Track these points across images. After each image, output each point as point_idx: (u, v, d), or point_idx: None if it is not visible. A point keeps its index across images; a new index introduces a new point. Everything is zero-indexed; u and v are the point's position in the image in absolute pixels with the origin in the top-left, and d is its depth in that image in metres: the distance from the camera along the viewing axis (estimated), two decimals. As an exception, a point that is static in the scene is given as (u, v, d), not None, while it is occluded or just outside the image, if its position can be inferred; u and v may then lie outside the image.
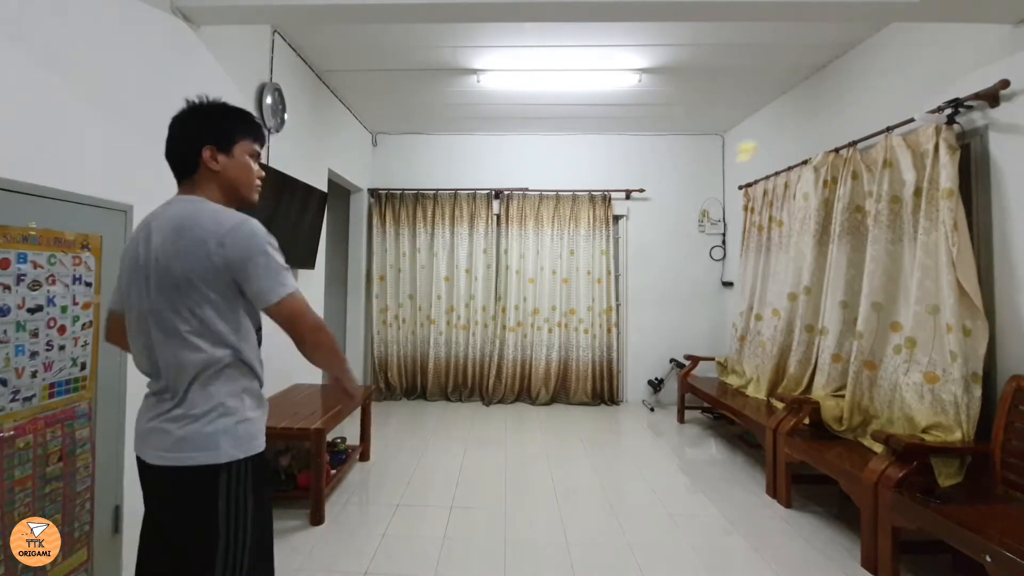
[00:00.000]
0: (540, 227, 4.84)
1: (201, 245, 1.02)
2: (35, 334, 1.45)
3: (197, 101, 1.15)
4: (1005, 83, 2.09)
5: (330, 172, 3.96)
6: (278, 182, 2.84)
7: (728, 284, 4.76)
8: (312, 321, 1.09)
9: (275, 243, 1.09)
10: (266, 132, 1.21)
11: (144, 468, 1.10)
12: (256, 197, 1.20)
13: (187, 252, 1.02)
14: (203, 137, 1.11)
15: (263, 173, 1.22)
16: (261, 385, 1.17)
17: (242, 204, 1.17)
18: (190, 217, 1.05)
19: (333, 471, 2.71)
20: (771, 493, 2.78)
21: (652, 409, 4.64)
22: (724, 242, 4.89)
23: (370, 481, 2.94)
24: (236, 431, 1.07)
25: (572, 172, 4.92)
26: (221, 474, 1.04)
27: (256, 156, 1.19)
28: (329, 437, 2.71)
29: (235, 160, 1.13)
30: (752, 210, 4.04)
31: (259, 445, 1.12)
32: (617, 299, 4.90)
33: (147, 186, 1.74)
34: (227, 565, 1.04)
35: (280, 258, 1.08)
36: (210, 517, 1.04)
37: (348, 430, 3.28)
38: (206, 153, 1.11)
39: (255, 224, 1.07)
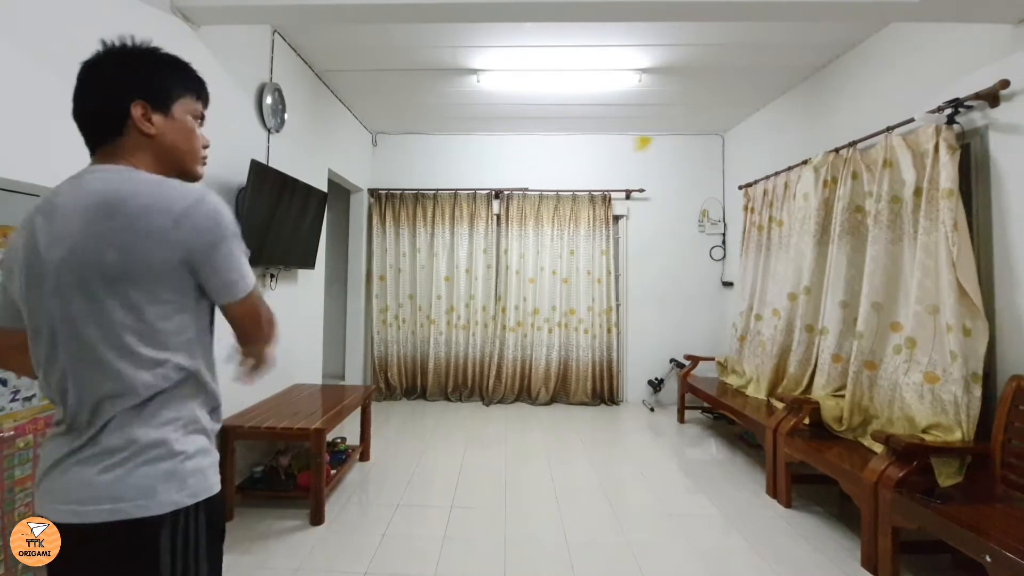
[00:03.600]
0: (540, 227, 4.84)
1: (147, 226, 0.77)
2: (35, 334, 1.45)
3: (119, 43, 0.86)
4: (1005, 83, 2.09)
5: (330, 172, 3.96)
6: (278, 182, 2.84)
7: (728, 284, 4.76)
8: (268, 314, 0.95)
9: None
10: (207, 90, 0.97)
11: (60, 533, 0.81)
12: (201, 170, 0.95)
13: (125, 236, 0.77)
14: (132, 89, 0.84)
15: (209, 141, 0.96)
16: (218, 405, 0.94)
17: (183, 178, 0.91)
18: (122, 191, 0.79)
19: (333, 471, 2.71)
20: (771, 493, 2.78)
21: (652, 409, 4.64)
22: (724, 242, 4.89)
23: (370, 481, 2.94)
24: (182, 471, 0.82)
25: (572, 172, 4.92)
26: (163, 529, 0.80)
27: (200, 118, 0.94)
28: (329, 437, 2.71)
29: (176, 122, 0.88)
30: (752, 210, 4.04)
31: (214, 485, 0.88)
32: (617, 299, 4.90)
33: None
34: None
35: (242, 242, 0.88)
36: None
37: (348, 430, 3.28)
38: (136, 111, 0.84)
39: (217, 200, 0.84)
